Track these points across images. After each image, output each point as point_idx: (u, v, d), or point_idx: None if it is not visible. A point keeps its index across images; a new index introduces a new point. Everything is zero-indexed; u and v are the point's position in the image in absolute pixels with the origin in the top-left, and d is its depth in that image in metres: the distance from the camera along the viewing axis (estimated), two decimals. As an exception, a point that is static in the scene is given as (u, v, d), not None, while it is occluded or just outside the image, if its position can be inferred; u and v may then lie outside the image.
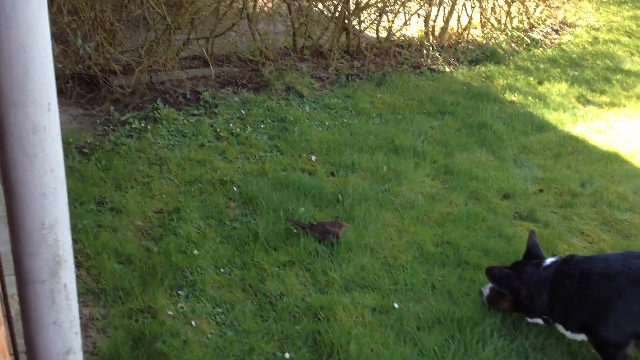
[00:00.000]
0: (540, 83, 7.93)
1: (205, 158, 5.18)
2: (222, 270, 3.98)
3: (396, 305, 3.86)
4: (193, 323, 3.54)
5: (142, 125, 5.57)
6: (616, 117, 7.30)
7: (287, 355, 3.43)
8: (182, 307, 3.66)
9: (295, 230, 4.36)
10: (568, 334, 3.65)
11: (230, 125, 5.79)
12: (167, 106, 5.88)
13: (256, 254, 4.12)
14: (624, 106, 7.63)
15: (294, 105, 6.43)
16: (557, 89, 7.78)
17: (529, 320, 3.78)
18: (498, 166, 5.89)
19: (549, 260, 3.74)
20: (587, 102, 7.67)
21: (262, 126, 5.91)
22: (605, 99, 7.80)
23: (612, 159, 6.33)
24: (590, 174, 5.92)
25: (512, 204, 5.25)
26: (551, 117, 7.10)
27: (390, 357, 3.45)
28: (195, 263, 3.98)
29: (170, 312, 3.59)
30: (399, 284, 4.07)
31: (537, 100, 7.46)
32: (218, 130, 5.67)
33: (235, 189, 4.81)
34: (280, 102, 6.45)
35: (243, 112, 6.08)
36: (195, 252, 4.08)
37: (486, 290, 3.92)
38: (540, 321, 3.74)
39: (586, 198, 5.50)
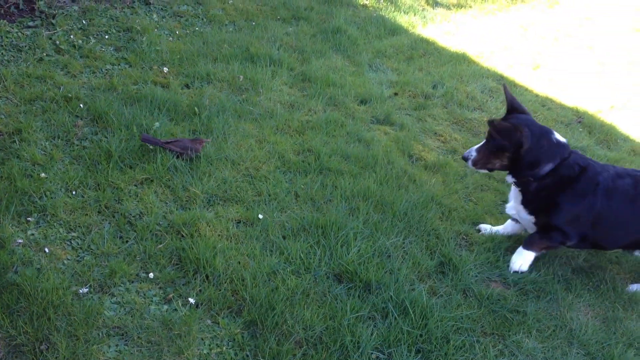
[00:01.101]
0: (391, -14, 7.98)
1: (45, 74, 4.75)
2: (74, 192, 3.74)
3: (260, 216, 3.84)
4: (47, 250, 3.32)
5: (-31, 39, 4.99)
6: (463, 18, 7.53)
7: (151, 275, 3.32)
8: (32, 234, 3.41)
9: (151, 147, 4.16)
10: (515, 211, 3.83)
11: (71, 37, 5.33)
12: (-4, 18, 5.30)
13: (110, 173, 3.90)
14: (470, 7, 7.89)
15: (140, 14, 6.03)
16: (407, -8, 7.86)
17: (509, 180, 3.79)
18: (354, 71, 5.94)
19: (559, 137, 3.65)
20: (436, 4, 7.84)
21: (106, 37, 5.50)
22: (452, 0, 8.00)
23: (460, 60, 6.58)
24: (441, 76, 6.12)
25: (369, 108, 5.33)
26: (402, 20, 7.20)
27: (257, 267, 3.45)
28: (44, 187, 3.70)
29: (20, 240, 3.34)
30: (263, 194, 4.04)
31: (389, 3, 7.52)
32: (58, 42, 5.20)
33: (81, 105, 4.47)
34: (125, 10, 6.02)
35: (84, 22, 5.61)
36: (43, 175, 3.79)
37: (472, 153, 3.77)
38: (513, 182, 3.75)
39: (438, 99, 5.70)
